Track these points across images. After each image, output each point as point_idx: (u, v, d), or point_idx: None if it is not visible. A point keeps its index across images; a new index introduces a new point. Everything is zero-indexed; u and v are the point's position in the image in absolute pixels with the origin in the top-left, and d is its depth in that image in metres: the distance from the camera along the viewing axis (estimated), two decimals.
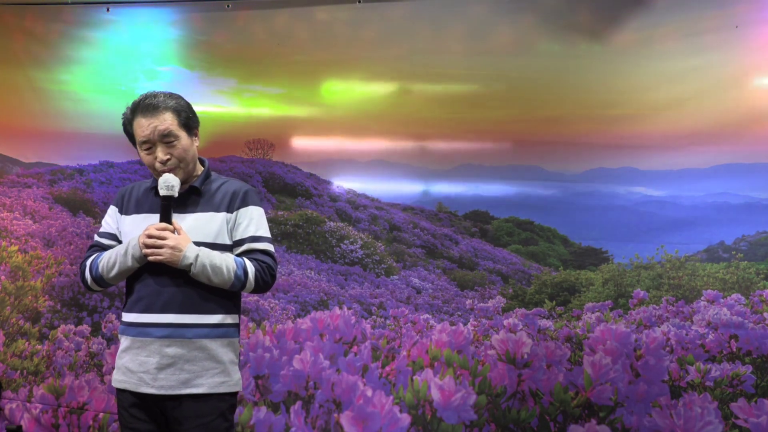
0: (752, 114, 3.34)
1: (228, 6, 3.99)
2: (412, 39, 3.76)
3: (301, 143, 3.99)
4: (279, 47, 3.95)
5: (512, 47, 3.65)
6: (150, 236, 2.22)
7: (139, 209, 2.38)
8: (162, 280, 2.28)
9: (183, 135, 2.33)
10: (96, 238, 2.44)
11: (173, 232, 2.25)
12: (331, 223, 3.95)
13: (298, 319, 3.76)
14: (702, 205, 3.38)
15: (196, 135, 2.41)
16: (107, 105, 4.16)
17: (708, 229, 3.37)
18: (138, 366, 2.27)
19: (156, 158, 2.30)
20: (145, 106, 2.30)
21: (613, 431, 3.28)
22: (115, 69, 4.17)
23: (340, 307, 3.74)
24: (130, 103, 2.37)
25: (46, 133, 4.30)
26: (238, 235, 2.35)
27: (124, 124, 2.38)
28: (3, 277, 4.23)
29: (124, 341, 2.33)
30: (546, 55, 3.59)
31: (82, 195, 4.25)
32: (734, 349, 3.26)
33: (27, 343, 4.15)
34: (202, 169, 2.43)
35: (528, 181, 3.64)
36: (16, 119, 4.36)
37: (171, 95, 2.36)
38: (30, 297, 4.19)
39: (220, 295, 2.32)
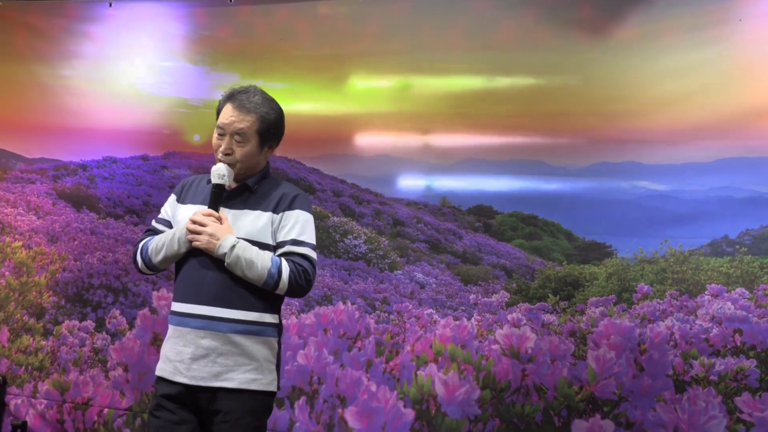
0: (756, 108, 3.34)
1: (231, 1, 3.99)
2: (414, 34, 3.75)
3: (304, 138, 3.98)
4: (281, 42, 3.95)
5: (515, 42, 3.64)
6: (194, 221, 2.28)
7: (194, 199, 2.43)
8: (202, 271, 2.31)
9: (254, 141, 2.35)
10: (152, 223, 2.51)
11: (218, 220, 2.28)
12: (335, 218, 3.95)
13: (301, 314, 3.77)
14: (706, 199, 3.38)
15: (270, 147, 2.43)
16: (110, 100, 4.16)
17: (712, 223, 3.37)
18: (175, 355, 2.30)
19: (220, 146, 2.35)
20: (239, 99, 2.35)
21: (617, 426, 3.29)
22: (118, 64, 4.16)
23: (344, 302, 3.74)
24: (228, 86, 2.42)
25: (50, 128, 4.29)
26: (281, 237, 2.35)
27: (219, 102, 2.43)
28: (7, 273, 4.24)
29: (170, 330, 2.38)
30: (549, 50, 3.58)
31: (86, 190, 4.25)
32: (738, 343, 3.26)
33: (31, 338, 4.15)
34: (260, 170, 2.43)
35: (532, 175, 3.63)
36: (19, 115, 4.36)
37: (267, 101, 2.39)
38: (34, 293, 4.19)
39: (259, 293, 2.31)
